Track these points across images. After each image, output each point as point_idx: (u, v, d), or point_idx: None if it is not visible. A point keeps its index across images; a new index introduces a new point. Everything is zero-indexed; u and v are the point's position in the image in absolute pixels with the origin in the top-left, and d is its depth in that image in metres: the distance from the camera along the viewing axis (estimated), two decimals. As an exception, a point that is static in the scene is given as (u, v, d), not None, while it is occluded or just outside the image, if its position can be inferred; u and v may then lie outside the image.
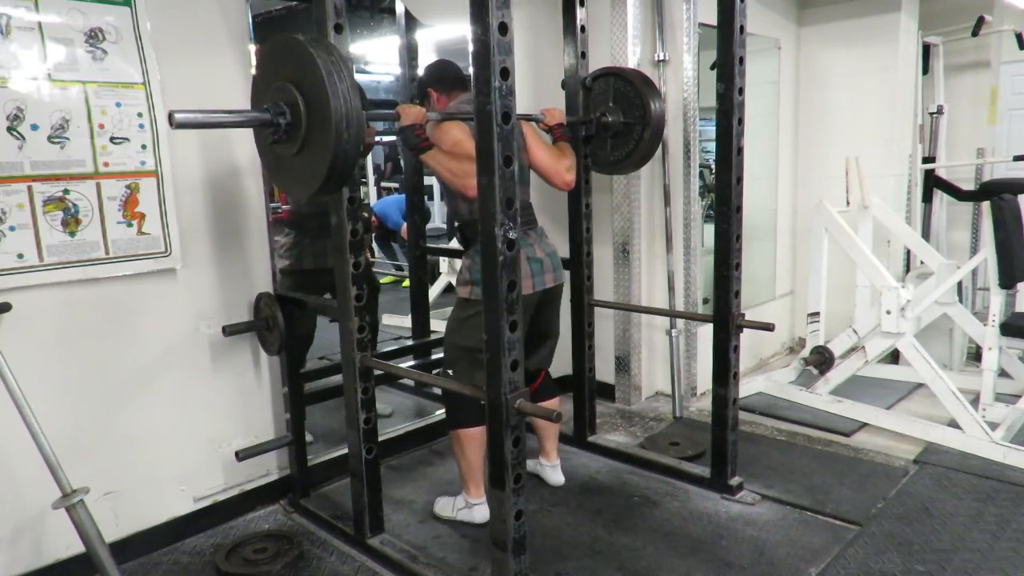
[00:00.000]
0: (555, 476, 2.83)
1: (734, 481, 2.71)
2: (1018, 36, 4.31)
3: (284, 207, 3.42)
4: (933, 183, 4.46)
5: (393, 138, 7.90)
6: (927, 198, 4.47)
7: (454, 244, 5.74)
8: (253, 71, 2.15)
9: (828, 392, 3.54)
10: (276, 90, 1.84)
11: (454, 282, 5.50)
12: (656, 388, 3.83)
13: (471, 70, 1.63)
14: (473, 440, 2.47)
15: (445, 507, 2.62)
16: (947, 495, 2.67)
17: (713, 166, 4.47)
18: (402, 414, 3.64)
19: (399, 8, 3.67)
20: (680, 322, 3.57)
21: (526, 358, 2.48)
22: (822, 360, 3.70)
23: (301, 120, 1.78)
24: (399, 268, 7.19)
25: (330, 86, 1.68)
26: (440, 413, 3.42)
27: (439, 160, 2.30)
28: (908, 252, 4.26)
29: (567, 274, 2.79)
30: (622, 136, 2.98)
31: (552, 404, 2.69)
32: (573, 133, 2.88)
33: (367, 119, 1.92)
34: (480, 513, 2.52)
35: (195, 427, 2.54)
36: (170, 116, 1.67)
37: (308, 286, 3.06)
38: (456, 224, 2.55)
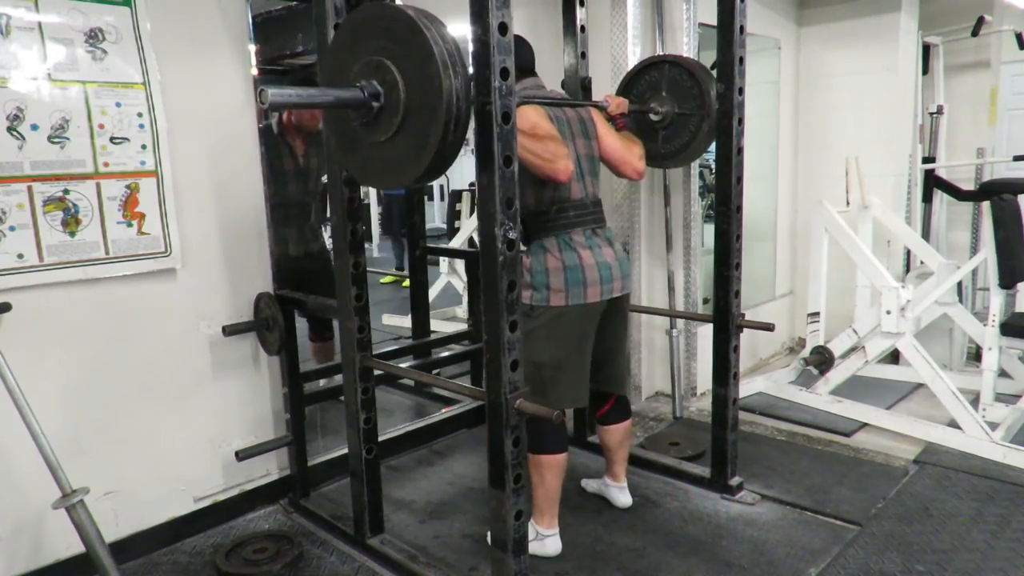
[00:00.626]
0: (622, 498, 2.64)
1: (734, 481, 2.71)
2: (1018, 36, 4.31)
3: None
4: (933, 183, 4.46)
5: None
6: (927, 198, 4.47)
7: (454, 244, 5.76)
8: (331, 37, 1.95)
9: (828, 392, 3.53)
10: (367, 66, 1.63)
11: (454, 281, 5.57)
12: (656, 388, 3.83)
13: (471, 70, 1.62)
14: (553, 467, 2.30)
15: None
16: (947, 495, 2.66)
17: (713, 166, 4.47)
18: (402, 414, 3.64)
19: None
20: (680, 322, 3.57)
21: (594, 377, 2.41)
22: (822, 360, 3.70)
23: (398, 108, 1.58)
24: (400, 269, 7.19)
25: (444, 79, 1.50)
26: (440, 413, 3.43)
27: (523, 144, 2.05)
28: (908, 252, 4.26)
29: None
30: (676, 128, 2.87)
31: (624, 426, 2.57)
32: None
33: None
34: (552, 545, 2.35)
35: (195, 427, 2.54)
36: (261, 93, 1.47)
37: (297, 272, 3.06)
38: (521, 218, 2.28)
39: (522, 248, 2.30)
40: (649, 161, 2.96)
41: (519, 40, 2.36)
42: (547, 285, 2.24)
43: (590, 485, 2.76)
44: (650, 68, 2.99)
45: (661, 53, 3.28)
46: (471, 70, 1.60)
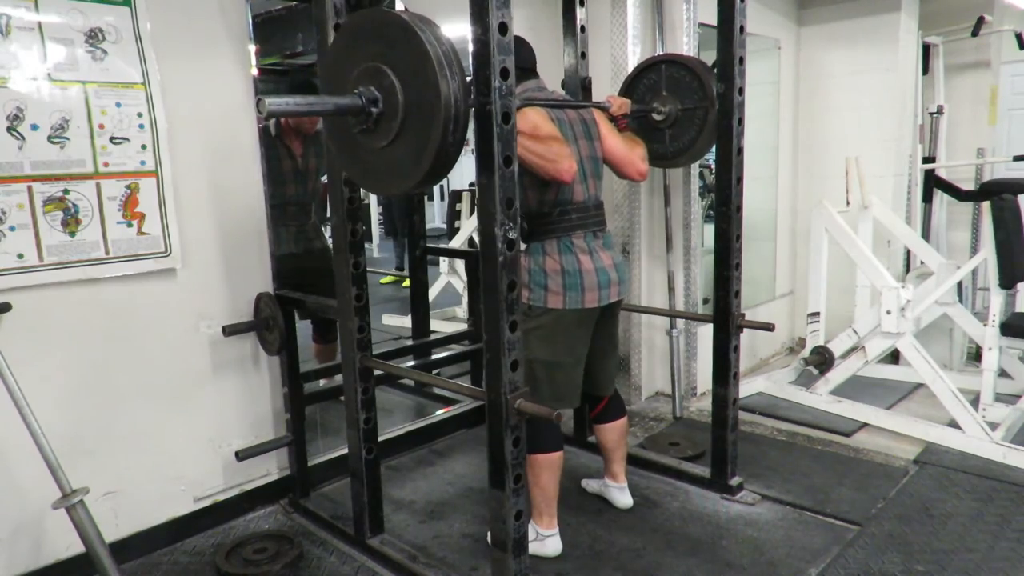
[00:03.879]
0: (623, 498, 2.64)
1: (734, 481, 2.71)
2: (1018, 36, 4.31)
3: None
4: (933, 183, 4.46)
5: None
6: (927, 198, 4.47)
7: (454, 244, 5.76)
8: (331, 37, 1.96)
9: (828, 392, 3.53)
10: (365, 72, 1.63)
11: (453, 282, 5.57)
12: (656, 388, 3.83)
13: (471, 70, 1.62)
14: (548, 467, 2.30)
15: None
16: (947, 495, 2.66)
17: (713, 166, 4.47)
18: (402, 414, 3.64)
19: (399, 8, 3.68)
20: (680, 322, 3.57)
21: (585, 380, 2.42)
22: (822, 360, 3.70)
23: (397, 110, 1.58)
24: (400, 268, 7.19)
25: (441, 80, 1.50)
26: (440, 413, 3.43)
27: (525, 146, 2.08)
28: (908, 252, 4.26)
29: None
30: (681, 124, 2.88)
31: (620, 424, 2.58)
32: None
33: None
34: (553, 545, 2.35)
35: (195, 427, 2.54)
36: (259, 103, 1.47)
37: (297, 272, 3.06)
38: (521, 217, 2.25)
39: (521, 247, 2.29)
40: (660, 161, 2.97)
41: (519, 40, 2.34)
42: (545, 286, 2.24)
43: (590, 485, 2.76)
44: (646, 71, 2.99)
45: (658, 53, 3.28)
46: (469, 71, 1.60)
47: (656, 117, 2.91)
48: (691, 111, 2.87)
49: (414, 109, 1.57)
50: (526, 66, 2.40)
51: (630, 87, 3.03)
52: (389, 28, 1.59)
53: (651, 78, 2.97)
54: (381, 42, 1.61)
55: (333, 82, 1.74)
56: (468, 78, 1.60)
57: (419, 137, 1.57)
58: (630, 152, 2.49)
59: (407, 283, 4.22)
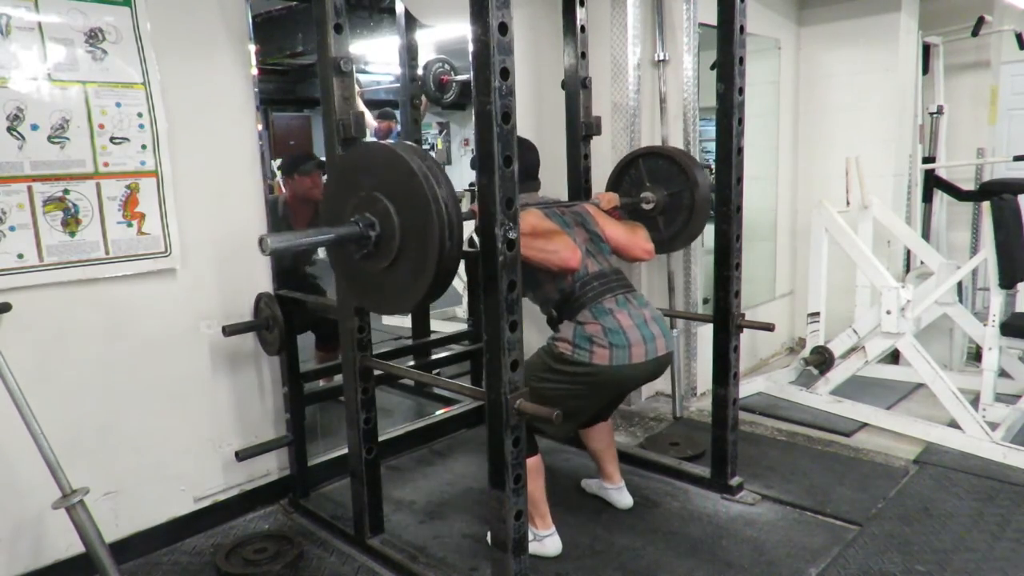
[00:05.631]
0: (622, 499, 2.65)
1: (734, 481, 2.71)
2: (1018, 36, 4.32)
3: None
4: (933, 183, 4.46)
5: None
6: (927, 198, 4.47)
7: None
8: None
9: (828, 392, 3.53)
10: (361, 201, 1.74)
11: (454, 281, 5.56)
12: (656, 388, 3.83)
13: (471, 70, 1.63)
14: (531, 471, 2.24)
15: None
16: (947, 495, 2.66)
17: (713, 166, 4.47)
18: (402, 414, 3.64)
19: (399, 8, 3.67)
20: (680, 322, 3.57)
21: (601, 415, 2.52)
22: (822, 360, 3.70)
23: (394, 231, 1.68)
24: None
25: (429, 191, 1.59)
26: (440, 413, 3.43)
27: (529, 245, 2.13)
28: (908, 252, 4.26)
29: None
30: (671, 210, 2.94)
31: (605, 426, 2.63)
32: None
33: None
34: (552, 545, 2.36)
35: (195, 427, 2.54)
36: (262, 242, 1.60)
37: (296, 273, 3.07)
38: (547, 309, 2.40)
39: (558, 325, 2.35)
40: (658, 247, 2.98)
41: (527, 144, 2.51)
42: (590, 342, 2.23)
43: (590, 486, 2.76)
44: (627, 167, 3.06)
45: (641, 147, 3.22)
46: (468, 73, 1.63)
47: (645, 207, 2.97)
48: (677, 195, 2.92)
49: (410, 225, 1.68)
50: (531, 170, 2.53)
51: (616, 185, 3.07)
52: (375, 158, 1.72)
53: (632, 173, 3.04)
54: (370, 172, 1.74)
55: (332, 217, 1.86)
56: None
57: (418, 251, 1.66)
58: (632, 235, 2.58)
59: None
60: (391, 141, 1.65)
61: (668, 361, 2.42)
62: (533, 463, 2.32)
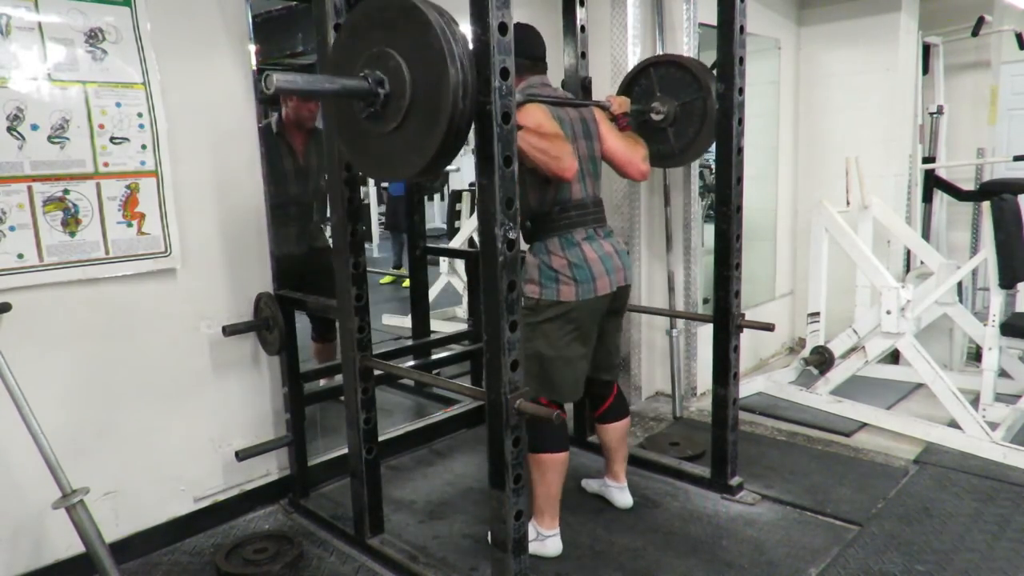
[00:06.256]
0: (623, 498, 2.64)
1: (734, 481, 2.71)
2: (1018, 36, 4.31)
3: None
4: (933, 183, 4.46)
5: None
6: (927, 198, 4.47)
7: (454, 244, 5.76)
8: (331, 37, 1.96)
9: (828, 392, 3.54)
10: (369, 59, 1.62)
11: (453, 282, 5.57)
12: (656, 388, 3.83)
13: (472, 70, 1.62)
14: (554, 466, 2.30)
15: None
16: (947, 495, 2.66)
17: (713, 166, 4.47)
18: (402, 414, 3.64)
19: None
20: (680, 322, 3.57)
21: (595, 368, 2.45)
22: (822, 360, 3.70)
23: (404, 90, 1.57)
24: (397, 267, 7.19)
25: (445, 44, 1.47)
26: (440, 413, 3.43)
27: (529, 141, 2.07)
28: (908, 252, 4.26)
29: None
30: (683, 120, 2.89)
31: (622, 424, 2.59)
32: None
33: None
34: (553, 546, 2.34)
35: (195, 427, 2.54)
36: (267, 78, 1.44)
37: (298, 272, 3.07)
38: (526, 219, 2.32)
39: (524, 247, 2.30)
40: (667, 161, 3.00)
41: (529, 28, 2.37)
42: (556, 279, 2.25)
43: (590, 485, 2.76)
44: (638, 76, 3.02)
45: (655, 55, 3.28)
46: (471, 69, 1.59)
47: (656, 117, 2.92)
48: (689, 105, 2.88)
49: (421, 84, 1.56)
50: (536, 55, 2.39)
51: (626, 94, 3.03)
52: (389, 11, 1.59)
53: (643, 83, 2.99)
54: (383, 27, 1.61)
55: (341, 72, 1.72)
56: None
57: (429, 112, 1.55)
58: (632, 152, 2.49)
59: (407, 283, 4.22)
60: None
61: (627, 292, 2.45)
62: (560, 459, 2.32)
